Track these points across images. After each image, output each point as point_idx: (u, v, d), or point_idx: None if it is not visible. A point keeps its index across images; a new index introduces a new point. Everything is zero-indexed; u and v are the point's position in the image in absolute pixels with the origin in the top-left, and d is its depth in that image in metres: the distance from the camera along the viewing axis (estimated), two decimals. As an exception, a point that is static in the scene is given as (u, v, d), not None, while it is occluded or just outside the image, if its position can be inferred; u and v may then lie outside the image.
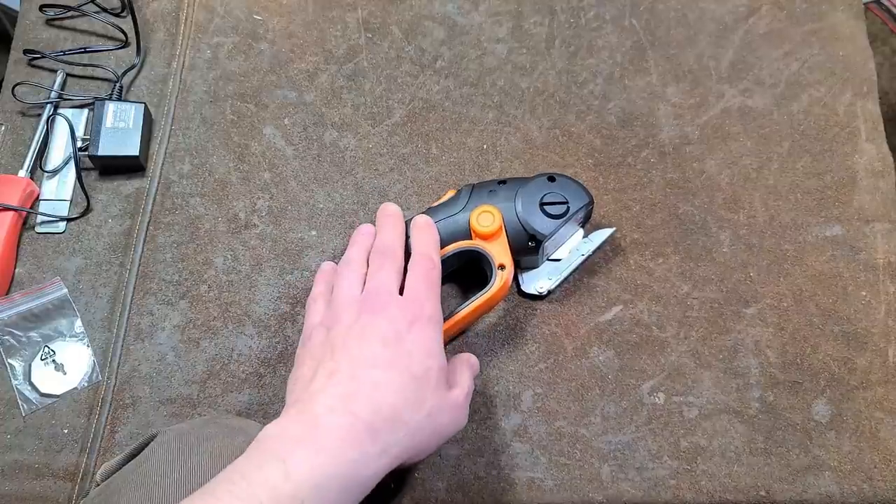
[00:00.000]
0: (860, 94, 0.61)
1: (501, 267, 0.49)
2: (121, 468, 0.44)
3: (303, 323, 0.54)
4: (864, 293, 0.55)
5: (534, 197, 0.50)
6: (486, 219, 0.49)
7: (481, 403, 0.52)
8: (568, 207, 0.51)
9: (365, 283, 0.44)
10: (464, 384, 0.43)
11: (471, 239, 0.50)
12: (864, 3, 0.66)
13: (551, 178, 0.52)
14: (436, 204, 0.52)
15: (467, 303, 0.49)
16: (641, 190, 0.59)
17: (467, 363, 0.45)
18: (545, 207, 0.50)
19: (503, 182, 0.51)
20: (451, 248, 0.50)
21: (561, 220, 0.51)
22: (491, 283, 0.49)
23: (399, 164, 0.60)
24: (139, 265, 0.56)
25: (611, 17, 0.65)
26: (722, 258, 0.57)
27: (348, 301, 0.43)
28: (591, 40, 0.64)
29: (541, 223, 0.50)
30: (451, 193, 0.53)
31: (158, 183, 0.59)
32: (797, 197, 0.58)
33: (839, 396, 0.52)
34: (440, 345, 0.42)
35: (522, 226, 0.50)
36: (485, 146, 0.61)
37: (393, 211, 0.49)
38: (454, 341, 0.54)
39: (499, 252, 0.49)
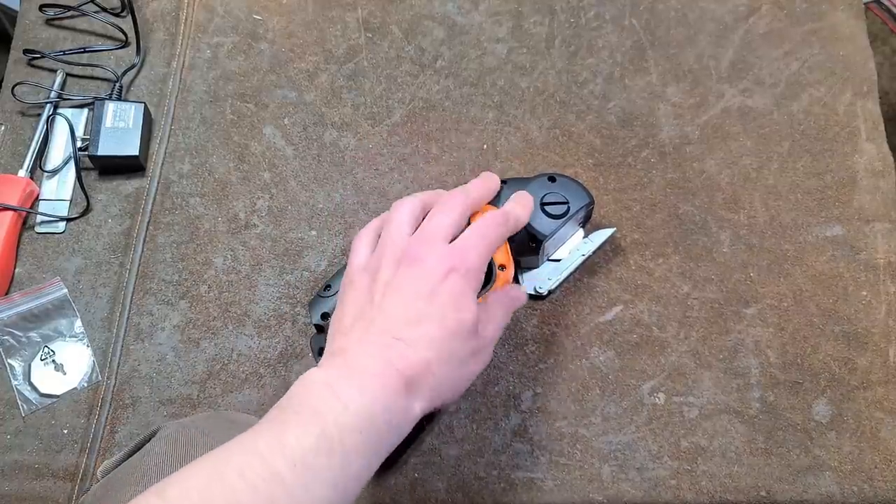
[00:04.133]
0: (860, 93, 0.61)
1: (502, 267, 0.49)
2: (122, 464, 0.44)
3: (304, 322, 0.55)
4: (864, 293, 0.55)
5: (534, 197, 0.50)
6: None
7: (481, 403, 0.52)
8: (568, 208, 0.51)
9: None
10: (494, 327, 0.44)
11: None
12: (865, 3, 0.65)
13: (552, 179, 0.52)
14: None
15: None
16: (641, 190, 0.59)
17: (502, 302, 0.45)
18: (546, 208, 0.50)
19: (504, 182, 0.51)
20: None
21: (561, 220, 0.50)
22: (491, 283, 0.49)
23: (399, 164, 0.60)
24: (139, 265, 0.56)
25: (611, 16, 0.65)
26: (722, 258, 0.57)
27: (392, 248, 0.42)
28: (591, 40, 0.64)
29: (541, 223, 0.50)
30: None
31: (158, 183, 0.59)
32: (797, 197, 0.58)
33: (840, 396, 0.52)
34: (473, 296, 0.42)
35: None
36: (485, 146, 0.61)
37: (491, 175, 0.48)
38: None
39: (499, 252, 0.49)
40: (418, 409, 0.38)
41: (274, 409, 0.36)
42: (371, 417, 0.35)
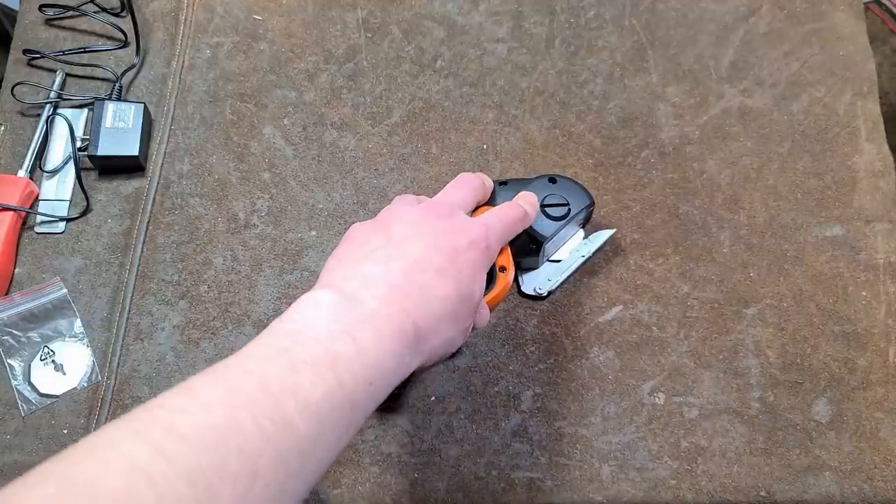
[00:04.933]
0: (860, 93, 0.61)
1: (502, 269, 0.49)
2: None
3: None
4: (864, 293, 0.55)
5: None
6: None
7: (481, 403, 0.52)
8: (569, 209, 0.51)
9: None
10: (484, 314, 0.44)
11: None
12: (865, 3, 0.66)
13: (552, 180, 0.52)
14: None
15: None
16: (641, 190, 0.59)
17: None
18: (546, 209, 0.50)
19: (504, 183, 0.51)
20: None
21: (562, 221, 0.50)
22: (491, 285, 0.49)
23: (399, 164, 0.60)
24: (139, 265, 0.56)
25: (611, 16, 0.65)
26: (722, 258, 0.57)
27: (413, 202, 0.41)
28: (591, 40, 0.64)
29: (542, 225, 0.50)
30: None
31: (158, 183, 0.59)
32: (797, 197, 0.58)
33: (839, 397, 0.52)
34: (483, 276, 0.41)
35: None
36: (485, 146, 0.61)
37: (481, 175, 0.48)
38: None
39: (499, 254, 0.49)
40: (417, 360, 0.37)
41: (279, 335, 0.33)
42: (383, 370, 0.34)
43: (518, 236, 0.49)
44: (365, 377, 0.32)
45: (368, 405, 0.33)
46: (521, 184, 0.51)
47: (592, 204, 0.52)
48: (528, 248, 0.51)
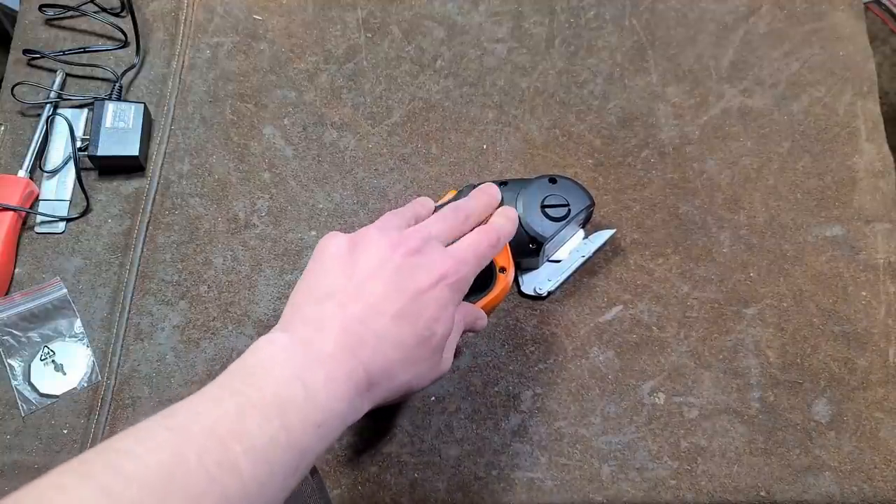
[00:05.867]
0: (860, 93, 0.61)
1: (502, 269, 0.49)
2: None
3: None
4: (864, 293, 0.55)
5: (535, 199, 0.50)
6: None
7: (481, 403, 0.52)
8: (569, 210, 0.51)
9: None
10: (453, 343, 0.42)
11: None
12: (864, 3, 0.66)
13: (552, 180, 0.52)
14: (437, 204, 0.52)
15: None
16: (641, 190, 0.59)
17: (464, 319, 0.44)
18: (546, 210, 0.50)
19: (504, 183, 0.51)
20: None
21: (562, 222, 0.50)
22: (491, 285, 0.49)
23: (399, 164, 0.60)
24: (139, 265, 0.56)
25: (611, 16, 0.65)
26: (722, 258, 0.57)
27: (387, 230, 0.40)
28: (591, 40, 0.64)
29: (542, 225, 0.50)
30: (451, 194, 0.52)
31: (158, 183, 0.59)
32: (797, 197, 0.58)
33: (839, 397, 0.52)
34: (452, 311, 0.40)
35: (523, 228, 0.50)
36: (485, 146, 0.61)
37: (493, 192, 0.47)
38: None
39: (499, 254, 0.49)
40: (367, 408, 0.37)
41: (234, 376, 0.34)
42: (332, 413, 0.34)
43: (518, 236, 0.50)
44: (314, 421, 0.33)
45: (317, 448, 0.34)
46: (521, 184, 0.51)
47: (592, 204, 0.52)
48: (528, 248, 0.51)
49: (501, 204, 0.49)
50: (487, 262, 0.44)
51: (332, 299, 0.38)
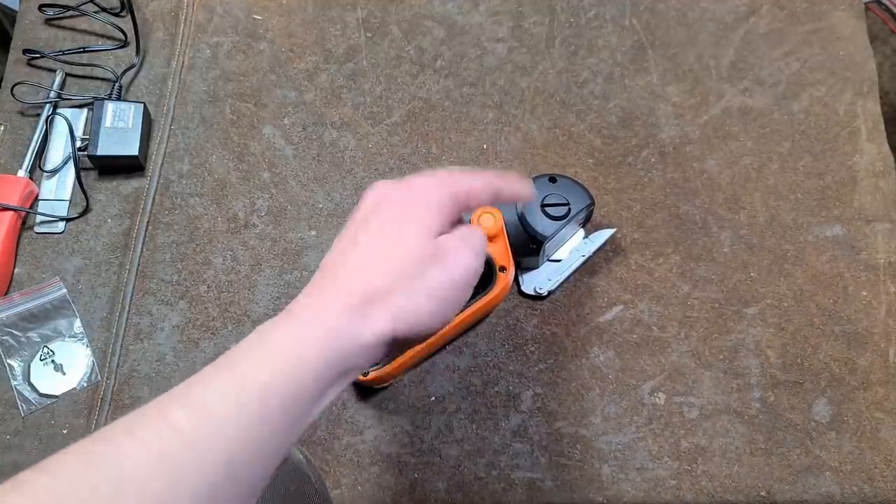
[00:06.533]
0: (861, 93, 0.61)
1: (502, 269, 0.49)
2: None
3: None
4: (864, 293, 0.55)
5: (535, 198, 0.50)
6: (487, 220, 0.49)
7: (481, 403, 0.52)
8: (569, 209, 0.51)
9: None
10: (470, 245, 0.36)
11: None
12: (865, 3, 0.65)
13: (552, 179, 0.51)
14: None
15: (467, 305, 0.49)
16: (642, 190, 0.59)
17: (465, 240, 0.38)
18: (546, 209, 0.50)
19: None
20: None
21: (562, 221, 0.50)
22: (491, 284, 0.49)
23: (399, 163, 0.60)
24: (138, 265, 0.56)
25: (611, 16, 0.65)
26: (722, 258, 0.56)
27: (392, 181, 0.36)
28: (592, 40, 0.64)
29: (542, 224, 0.50)
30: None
31: (158, 183, 0.59)
32: (798, 197, 0.58)
33: (840, 397, 0.52)
34: (434, 219, 0.35)
35: (524, 227, 0.50)
36: (485, 146, 0.60)
37: (526, 182, 0.41)
38: (454, 342, 0.54)
39: (499, 254, 0.49)
40: (383, 319, 0.32)
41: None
42: (300, 355, 0.30)
43: (518, 235, 0.49)
44: (271, 368, 0.29)
45: (292, 392, 0.29)
46: None
47: (593, 203, 0.52)
48: (528, 247, 0.51)
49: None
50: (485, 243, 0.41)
51: (322, 270, 0.34)
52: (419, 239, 0.35)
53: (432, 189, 0.36)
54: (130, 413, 0.28)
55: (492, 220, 0.49)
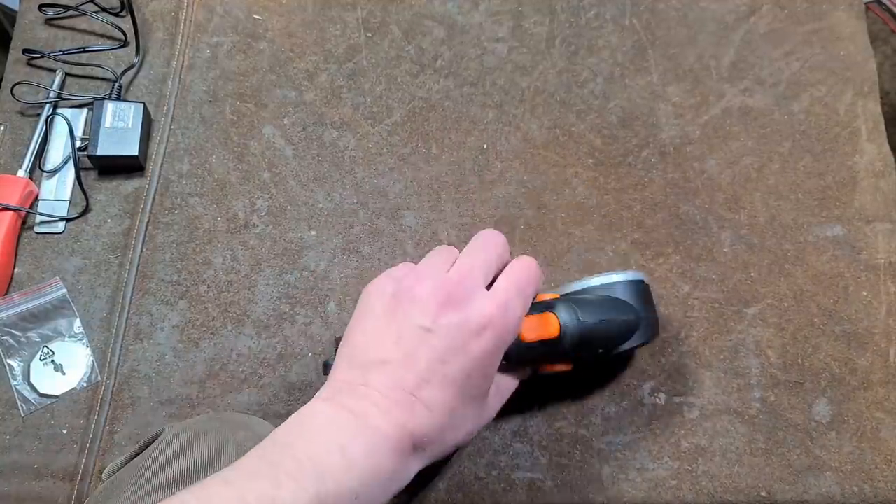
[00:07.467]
0: (861, 93, 0.61)
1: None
2: (125, 466, 0.44)
3: (302, 324, 0.54)
4: (865, 293, 0.55)
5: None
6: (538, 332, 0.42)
7: (481, 404, 0.52)
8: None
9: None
10: (503, 396, 0.42)
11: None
12: (865, 3, 0.65)
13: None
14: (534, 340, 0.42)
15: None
16: (642, 190, 0.59)
17: (507, 388, 0.43)
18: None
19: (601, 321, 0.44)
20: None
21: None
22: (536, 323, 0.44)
23: (399, 163, 0.60)
24: (138, 265, 0.56)
25: (611, 16, 0.65)
26: (723, 258, 0.56)
27: (432, 279, 0.38)
28: (592, 40, 0.64)
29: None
30: (552, 319, 0.42)
31: (157, 183, 0.59)
32: (798, 197, 0.58)
33: (840, 397, 0.52)
34: (499, 360, 0.39)
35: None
36: (485, 145, 0.60)
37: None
38: None
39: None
40: (416, 469, 0.37)
41: (271, 446, 0.33)
42: (372, 481, 0.33)
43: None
44: (350, 489, 0.32)
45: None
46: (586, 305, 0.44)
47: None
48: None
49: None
50: (534, 292, 0.41)
51: (378, 367, 0.36)
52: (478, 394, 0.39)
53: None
54: (222, 493, 0.31)
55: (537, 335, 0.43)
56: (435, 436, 0.36)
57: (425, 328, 0.36)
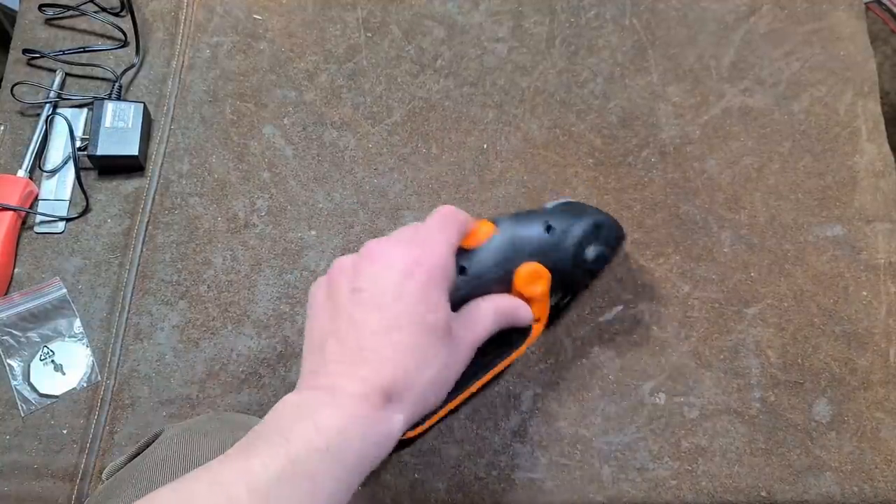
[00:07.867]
0: (861, 93, 0.61)
1: (537, 320, 0.46)
2: (126, 466, 0.44)
3: (302, 324, 0.54)
4: (865, 293, 0.55)
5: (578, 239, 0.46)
6: (537, 286, 0.45)
7: (481, 403, 0.52)
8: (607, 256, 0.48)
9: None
10: (473, 334, 0.41)
11: (509, 291, 0.45)
12: (865, 3, 0.65)
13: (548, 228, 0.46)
14: (475, 246, 0.44)
15: (494, 364, 0.48)
16: (642, 190, 0.59)
17: (490, 310, 0.42)
18: (588, 265, 0.47)
19: (550, 228, 0.46)
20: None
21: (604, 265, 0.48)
22: (528, 335, 0.46)
23: (399, 163, 0.60)
24: (138, 265, 0.56)
25: (611, 16, 0.65)
26: (723, 258, 0.56)
27: (353, 255, 0.40)
28: (592, 39, 0.64)
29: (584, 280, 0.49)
30: (485, 227, 0.45)
31: (157, 183, 0.59)
32: (798, 197, 0.58)
33: (840, 397, 0.52)
34: (441, 294, 0.39)
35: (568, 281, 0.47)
36: (485, 146, 0.60)
37: (450, 212, 0.43)
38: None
39: (537, 309, 0.46)
40: (401, 420, 0.37)
41: (248, 435, 0.35)
42: (345, 437, 0.34)
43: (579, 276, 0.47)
44: (323, 447, 0.33)
45: (339, 471, 0.33)
46: (567, 217, 0.46)
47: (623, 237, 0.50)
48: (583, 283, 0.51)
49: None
50: (460, 239, 0.42)
51: (329, 343, 0.38)
52: (433, 324, 0.38)
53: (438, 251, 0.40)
54: (201, 474, 0.32)
55: (540, 287, 0.45)
56: (402, 380, 0.36)
57: (354, 289, 0.38)
